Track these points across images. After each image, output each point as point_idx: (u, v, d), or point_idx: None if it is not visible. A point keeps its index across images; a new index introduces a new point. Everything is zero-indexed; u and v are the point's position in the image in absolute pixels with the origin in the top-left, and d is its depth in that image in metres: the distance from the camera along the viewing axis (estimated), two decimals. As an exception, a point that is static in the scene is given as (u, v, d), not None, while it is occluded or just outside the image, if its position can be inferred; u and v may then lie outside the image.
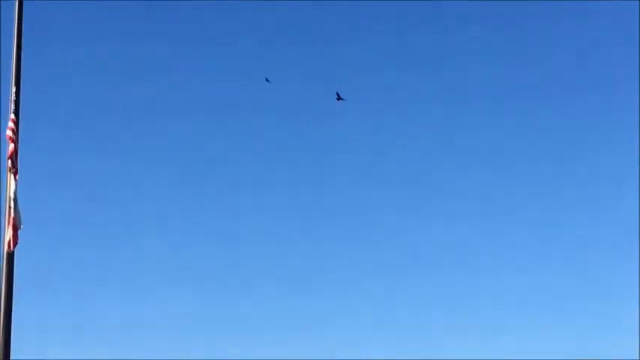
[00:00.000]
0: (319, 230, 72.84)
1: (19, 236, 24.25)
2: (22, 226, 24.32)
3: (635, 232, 67.58)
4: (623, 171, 73.10)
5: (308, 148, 75.55)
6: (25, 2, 25.52)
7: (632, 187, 70.02)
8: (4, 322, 23.83)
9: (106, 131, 75.32)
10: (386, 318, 66.99)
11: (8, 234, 24.11)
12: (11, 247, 24.13)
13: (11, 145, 24.57)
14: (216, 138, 76.03)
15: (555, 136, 76.78)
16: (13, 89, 25.00)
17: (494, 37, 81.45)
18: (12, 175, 24.55)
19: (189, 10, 78.73)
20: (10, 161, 24.51)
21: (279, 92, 68.55)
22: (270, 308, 66.43)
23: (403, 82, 77.63)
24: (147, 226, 71.12)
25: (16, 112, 24.93)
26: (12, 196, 24.28)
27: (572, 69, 79.31)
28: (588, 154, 75.71)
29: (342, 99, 46.79)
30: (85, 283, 66.97)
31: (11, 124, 24.70)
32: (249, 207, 72.47)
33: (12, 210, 24.20)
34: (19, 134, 24.80)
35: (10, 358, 23.90)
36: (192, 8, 78.28)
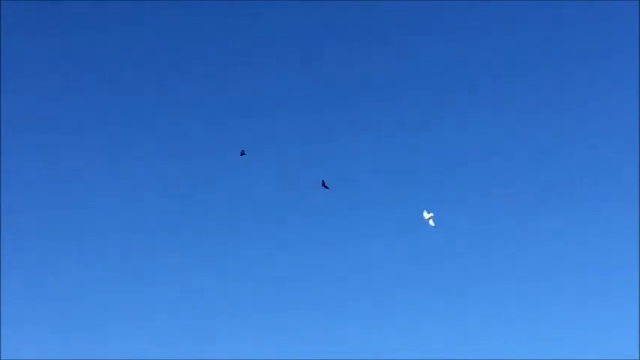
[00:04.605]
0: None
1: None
2: None
3: (635, 232, 67.47)
4: (622, 171, 73.04)
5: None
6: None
7: (632, 187, 70.00)
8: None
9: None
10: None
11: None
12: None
13: None
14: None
15: (554, 138, 76.69)
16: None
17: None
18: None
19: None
20: None
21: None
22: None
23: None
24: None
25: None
26: None
27: (571, 69, 79.23)
28: (588, 156, 75.59)
29: (327, 187, 46.24)
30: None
31: None
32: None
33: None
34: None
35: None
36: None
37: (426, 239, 69.55)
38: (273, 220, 72.02)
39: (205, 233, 71.69)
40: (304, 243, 71.12)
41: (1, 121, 72.76)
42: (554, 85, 78.43)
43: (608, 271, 68.59)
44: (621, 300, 65.71)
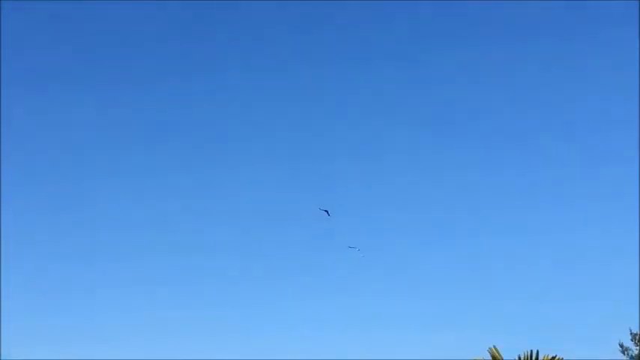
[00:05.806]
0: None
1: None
2: None
3: (635, 232, 67.94)
4: (623, 171, 73.49)
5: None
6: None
7: (632, 187, 70.44)
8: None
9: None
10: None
11: None
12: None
13: None
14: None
15: (556, 136, 77.17)
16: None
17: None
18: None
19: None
20: None
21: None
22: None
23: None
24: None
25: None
26: None
27: (571, 69, 79.73)
28: (588, 155, 76.12)
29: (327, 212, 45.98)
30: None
31: None
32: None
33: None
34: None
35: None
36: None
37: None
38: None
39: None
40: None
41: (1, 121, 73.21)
42: (553, 85, 78.94)
43: (609, 271, 69.12)
44: (621, 300, 66.19)
